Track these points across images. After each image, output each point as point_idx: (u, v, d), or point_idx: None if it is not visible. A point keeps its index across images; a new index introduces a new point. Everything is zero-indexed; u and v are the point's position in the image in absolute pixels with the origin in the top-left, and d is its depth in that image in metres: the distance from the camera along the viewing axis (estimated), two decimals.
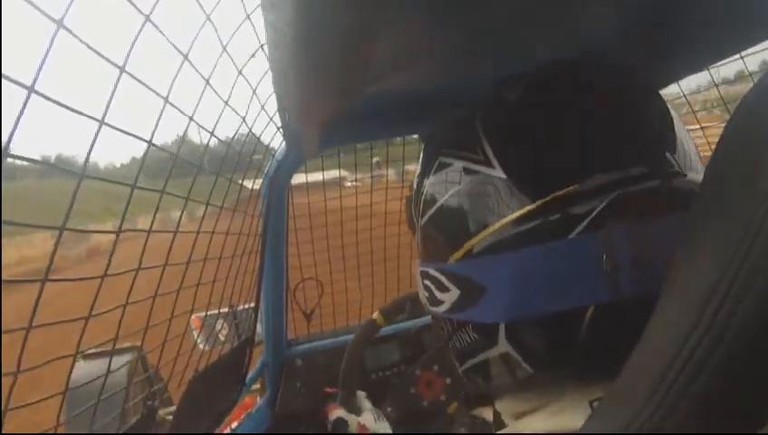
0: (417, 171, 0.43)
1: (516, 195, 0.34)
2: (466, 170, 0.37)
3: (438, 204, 0.39)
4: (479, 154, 0.36)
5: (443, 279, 0.39)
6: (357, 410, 0.92)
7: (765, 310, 0.18)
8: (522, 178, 0.34)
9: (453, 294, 0.38)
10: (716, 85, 0.96)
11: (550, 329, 0.34)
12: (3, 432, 0.37)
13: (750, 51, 0.55)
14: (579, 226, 0.32)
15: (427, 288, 0.42)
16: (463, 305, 0.37)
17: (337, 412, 0.90)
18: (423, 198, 0.41)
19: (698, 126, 1.04)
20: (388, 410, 1.03)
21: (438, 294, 0.40)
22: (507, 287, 0.34)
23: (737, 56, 0.62)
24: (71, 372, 0.47)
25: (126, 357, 0.64)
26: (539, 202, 0.33)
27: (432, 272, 0.40)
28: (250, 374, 1.01)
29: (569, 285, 0.32)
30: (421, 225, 0.41)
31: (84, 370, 0.58)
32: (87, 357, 0.60)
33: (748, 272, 0.19)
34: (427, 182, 0.41)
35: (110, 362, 0.52)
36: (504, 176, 0.35)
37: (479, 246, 0.36)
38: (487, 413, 0.45)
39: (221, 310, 0.86)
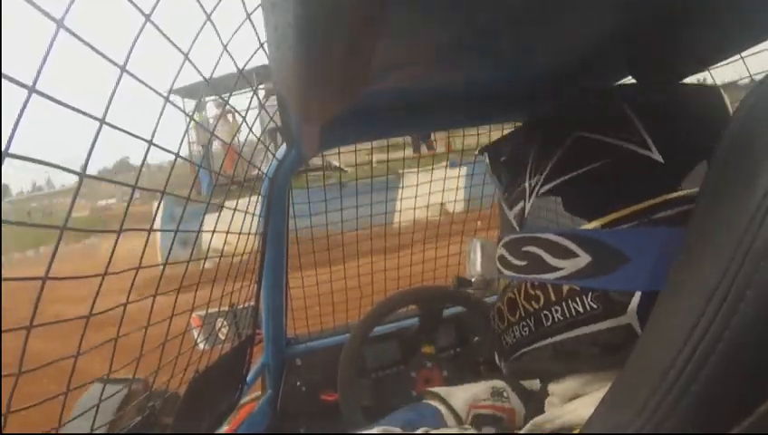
0: (538, 149, 0.45)
1: (670, 179, 0.37)
2: (617, 148, 0.40)
3: (576, 173, 0.41)
4: (635, 135, 0.39)
5: (569, 244, 0.40)
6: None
7: (765, 309, 0.18)
8: (677, 166, 0.37)
9: (581, 260, 0.39)
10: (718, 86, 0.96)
11: None
12: (3, 433, 0.37)
13: (749, 51, 0.55)
14: None
15: (525, 256, 0.43)
16: (594, 272, 0.38)
17: None
18: (548, 168, 0.43)
19: None
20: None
21: (554, 261, 0.41)
22: (653, 260, 0.36)
23: (737, 57, 0.63)
24: (72, 372, 0.47)
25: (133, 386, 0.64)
26: (691, 190, 0.36)
27: (552, 238, 0.41)
28: (250, 374, 1.01)
29: None
30: (541, 192, 0.43)
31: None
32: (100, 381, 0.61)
33: (748, 271, 0.19)
34: (556, 153, 0.43)
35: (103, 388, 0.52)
36: (660, 159, 0.38)
37: (628, 218, 0.37)
38: (532, 384, 0.46)
39: (221, 308, 0.86)
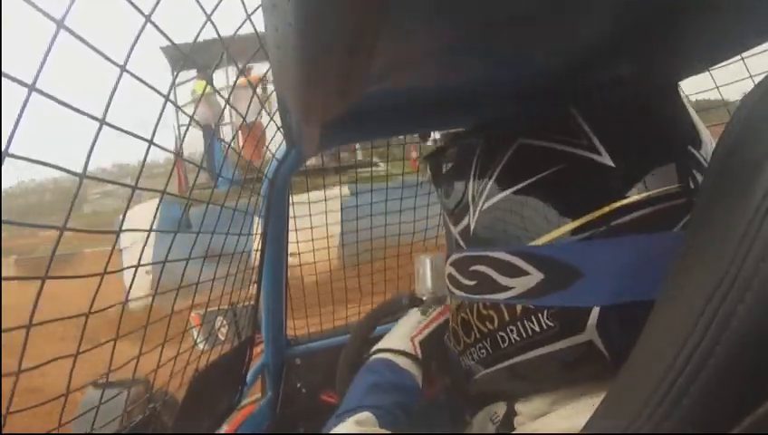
0: (478, 157, 0.42)
1: (623, 184, 0.35)
2: (564, 154, 0.37)
3: (521, 185, 0.38)
4: (582, 140, 0.37)
5: (518, 262, 0.37)
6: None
7: (764, 311, 0.18)
8: (630, 170, 0.35)
9: (532, 278, 0.36)
10: (717, 87, 0.97)
11: (638, 317, 0.33)
12: (3, 433, 0.37)
13: (749, 52, 0.55)
14: (681, 221, 0.33)
15: (475, 275, 0.40)
16: (546, 289, 0.36)
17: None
18: (491, 179, 0.40)
19: None
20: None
21: (504, 280, 0.38)
22: (609, 272, 0.34)
23: (737, 57, 0.62)
24: (71, 372, 0.47)
25: (133, 389, 0.64)
26: (647, 194, 0.34)
27: (500, 256, 0.38)
28: (250, 374, 1.01)
29: None
30: (484, 208, 0.40)
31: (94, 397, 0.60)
32: (97, 386, 0.61)
33: (747, 273, 0.19)
34: (499, 164, 0.40)
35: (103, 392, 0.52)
36: (611, 164, 0.35)
37: (580, 229, 0.35)
38: (499, 408, 0.45)
39: (221, 307, 0.86)
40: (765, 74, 0.26)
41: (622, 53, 0.48)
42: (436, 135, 0.89)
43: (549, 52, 0.46)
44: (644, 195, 0.34)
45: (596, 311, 0.34)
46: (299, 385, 1.12)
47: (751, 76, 0.85)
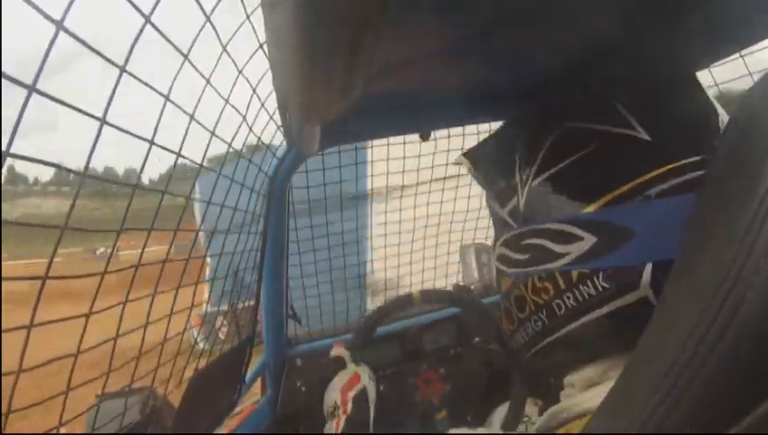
0: (526, 144, 0.46)
1: (661, 155, 0.38)
2: (604, 132, 0.41)
3: (567, 161, 0.42)
4: (620, 119, 0.41)
5: (572, 229, 0.40)
6: (357, 361, 0.91)
7: (765, 310, 0.18)
8: (665, 142, 0.39)
9: (585, 242, 0.39)
10: (717, 84, 0.97)
11: None
12: (4, 433, 0.37)
13: (749, 50, 0.55)
14: None
15: (527, 249, 0.43)
16: (599, 252, 0.38)
17: (340, 351, 0.90)
18: (539, 161, 0.44)
19: None
20: (381, 387, 1.03)
21: (558, 247, 0.41)
22: (657, 230, 0.36)
23: (736, 55, 0.63)
24: (71, 371, 0.47)
25: (138, 397, 0.64)
26: (684, 162, 0.37)
27: (553, 226, 0.41)
28: (250, 374, 1.01)
29: None
30: (533, 185, 0.44)
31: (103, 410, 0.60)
32: (104, 398, 0.61)
33: (749, 272, 0.19)
34: (545, 145, 0.43)
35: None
36: (648, 138, 0.39)
37: (625, 196, 0.38)
38: (530, 410, 0.45)
39: (221, 307, 0.86)
40: (766, 73, 0.26)
41: (622, 53, 0.48)
42: (436, 135, 0.89)
43: (548, 51, 0.46)
44: (680, 162, 0.37)
45: (648, 268, 0.36)
46: (299, 385, 1.12)
47: (751, 75, 0.85)
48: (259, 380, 1.13)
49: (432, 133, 0.83)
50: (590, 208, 0.39)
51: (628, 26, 0.44)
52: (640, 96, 0.42)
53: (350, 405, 0.80)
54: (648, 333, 0.25)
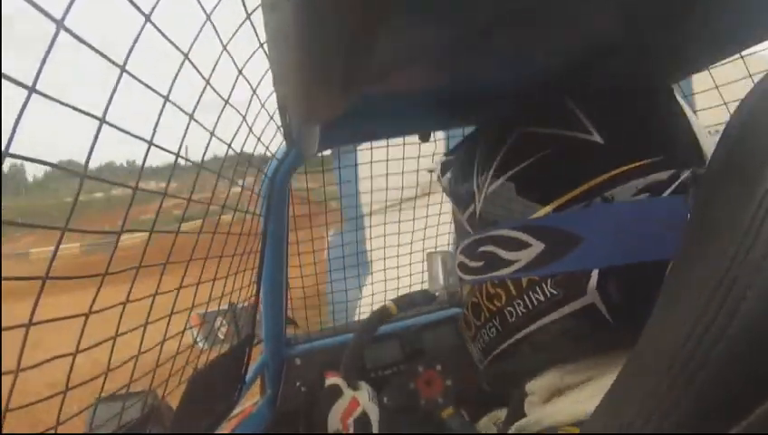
0: (484, 149, 0.46)
1: (613, 158, 0.38)
2: (559, 136, 0.41)
3: (521, 166, 0.42)
4: (576, 123, 0.41)
5: (520, 235, 0.40)
6: (354, 386, 0.90)
7: (766, 309, 0.18)
8: (618, 145, 0.39)
9: (533, 249, 0.39)
10: (717, 87, 0.97)
11: (635, 279, 0.36)
12: (3, 433, 0.37)
13: (749, 51, 0.55)
14: (668, 189, 0.37)
15: (482, 256, 0.43)
16: (546, 259, 0.39)
17: (334, 380, 0.89)
18: (494, 166, 0.44)
19: None
20: (385, 399, 1.03)
21: (508, 255, 0.41)
22: (606, 236, 0.37)
23: (737, 56, 0.63)
24: (70, 371, 0.47)
25: (138, 400, 0.64)
26: (635, 165, 0.37)
27: (504, 233, 0.41)
28: (249, 374, 1.01)
29: (661, 238, 0.35)
30: (489, 191, 0.44)
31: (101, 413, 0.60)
32: (103, 401, 0.61)
33: (749, 271, 0.19)
34: (500, 151, 0.44)
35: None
36: (601, 141, 0.39)
37: (574, 200, 0.38)
38: (502, 414, 0.46)
39: (220, 307, 0.86)
40: (766, 74, 0.26)
41: (622, 53, 0.48)
42: (436, 135, 0.89)
43: (549, 52, 0.46)
44: (632, 165, 0.38)
45: (595, 274, 0.37)
46: (299, 384, 1.12)
47: (751, 76, 0.85)
48: (258, 380, 1.13)
49: (432, 134, 0.83)
50: (542, 213, 0.39)
51: (628, 26, 0.44)
52: (601, 101, 0.43)
53: (351, 429, 0.79)
54: (646, 332, 0.25)
